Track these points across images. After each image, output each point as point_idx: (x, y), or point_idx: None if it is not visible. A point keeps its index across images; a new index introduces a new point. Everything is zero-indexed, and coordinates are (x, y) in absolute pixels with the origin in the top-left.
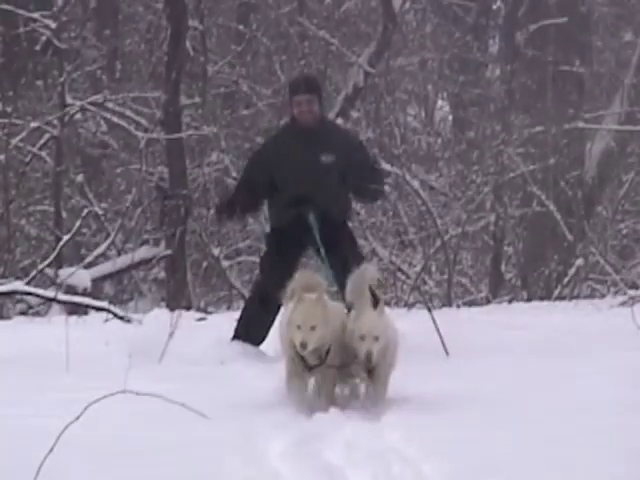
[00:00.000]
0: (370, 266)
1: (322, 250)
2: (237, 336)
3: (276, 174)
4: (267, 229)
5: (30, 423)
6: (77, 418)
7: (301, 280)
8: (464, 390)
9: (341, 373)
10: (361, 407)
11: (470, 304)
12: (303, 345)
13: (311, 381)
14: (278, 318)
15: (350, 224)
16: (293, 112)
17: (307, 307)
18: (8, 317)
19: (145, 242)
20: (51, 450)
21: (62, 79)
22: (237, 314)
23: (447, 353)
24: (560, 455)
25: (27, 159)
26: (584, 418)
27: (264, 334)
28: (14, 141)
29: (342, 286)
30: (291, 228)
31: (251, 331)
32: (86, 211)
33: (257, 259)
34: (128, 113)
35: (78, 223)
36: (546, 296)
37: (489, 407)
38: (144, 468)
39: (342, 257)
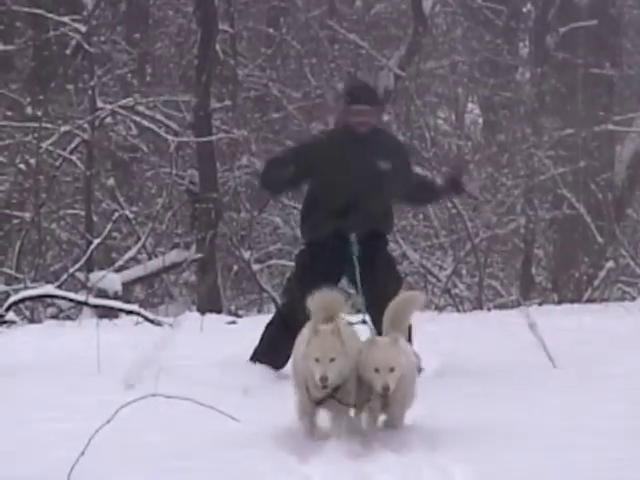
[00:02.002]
0: (417, 295)
1: (357, 274)
2: (256, 358)
3: (322, 178)
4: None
5: (61, 426)
6: (108, 421)
7: (320, 302)
8: (492, 394)
9: (358, 409)
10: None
11: (501, 307)
12: (323, 379)
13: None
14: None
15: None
16: (348, 120)
17: (325, 339)
18: (39, 321)
19: (176, 246)
20: (82, 453)
21: (92, 83)
22: (268, 317)
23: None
24: (594, 462)
25: (58, 163)
26: (617, 422)
27: (286, 359)
28: (45, 145)
29: (372, 313)
30: (330, 242)
31: (272, 354)
32: (117, 215)
33: (288, 262)
34: (158, 117)
35: (109, 227)
36: (576, 299)
37: (518, 413)
38: (175, 471)
39: (378, 280)
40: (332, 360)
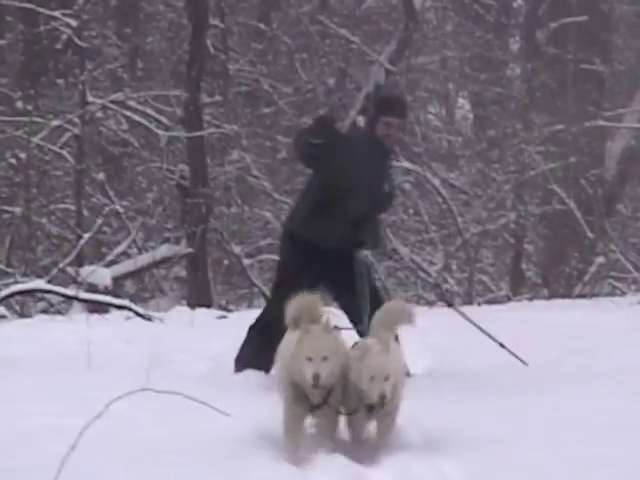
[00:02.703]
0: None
1: (365, 284)
2: (243, 366)
3: (342, 181)
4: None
5: (51, 421)
6: (98, 416)
7: (302, 307)
8: (485, 391)
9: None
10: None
11: (491, 302)
12: (315, 377)
13: (311, 424)
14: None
15: None
16: (377, 130)
17: (317, 337)
18: (29, 315)
19: (166, 240)
20: (73, 447)
21: (83, 77)
22: (258, 312)
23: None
24: (590, 457)
25: (48, 157)
26: (611, 417)
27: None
28: (35, 139)
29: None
30: (338, 245)
31: (259, 360)
32: (107, 209)
33: (278, 257)
34: (149, 111)
35: (99, 221)
36: (566, 294)
37: (512, 409)
38: (166, 466)
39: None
40: (325, 359)
